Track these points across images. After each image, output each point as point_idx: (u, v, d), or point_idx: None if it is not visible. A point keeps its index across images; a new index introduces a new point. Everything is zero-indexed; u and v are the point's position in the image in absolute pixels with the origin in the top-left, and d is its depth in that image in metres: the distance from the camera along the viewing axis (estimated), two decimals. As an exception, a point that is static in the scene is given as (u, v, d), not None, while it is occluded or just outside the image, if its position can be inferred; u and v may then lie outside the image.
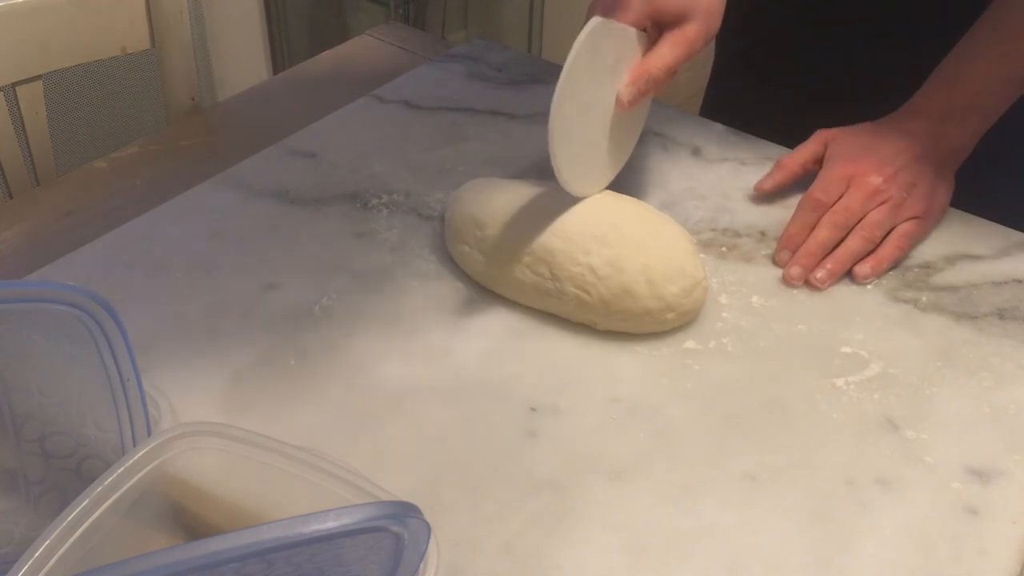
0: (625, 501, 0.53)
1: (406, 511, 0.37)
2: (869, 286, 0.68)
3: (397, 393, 0.59)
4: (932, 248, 0.71)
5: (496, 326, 0.64)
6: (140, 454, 0.42)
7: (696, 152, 0.80)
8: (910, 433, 0.57)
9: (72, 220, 0.72)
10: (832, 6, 0.85)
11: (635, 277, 0.61)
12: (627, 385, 0.60)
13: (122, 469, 0.41)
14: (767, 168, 0.75)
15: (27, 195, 0.77)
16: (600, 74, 0.63)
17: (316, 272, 0.67)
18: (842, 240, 0.69)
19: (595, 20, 0.61)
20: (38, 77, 0.90)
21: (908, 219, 0.70)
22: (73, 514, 0.39)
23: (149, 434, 0.47)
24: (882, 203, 0.69)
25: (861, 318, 0.65)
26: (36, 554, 0.37)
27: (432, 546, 0.41)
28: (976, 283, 0.68)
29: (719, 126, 0.84)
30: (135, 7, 0.93)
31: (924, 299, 0.67)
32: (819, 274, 0.68)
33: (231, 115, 0.87)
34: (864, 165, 0.71)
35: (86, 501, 0.39)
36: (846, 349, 0.63)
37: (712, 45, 1.00)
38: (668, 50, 0.65)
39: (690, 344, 0.63)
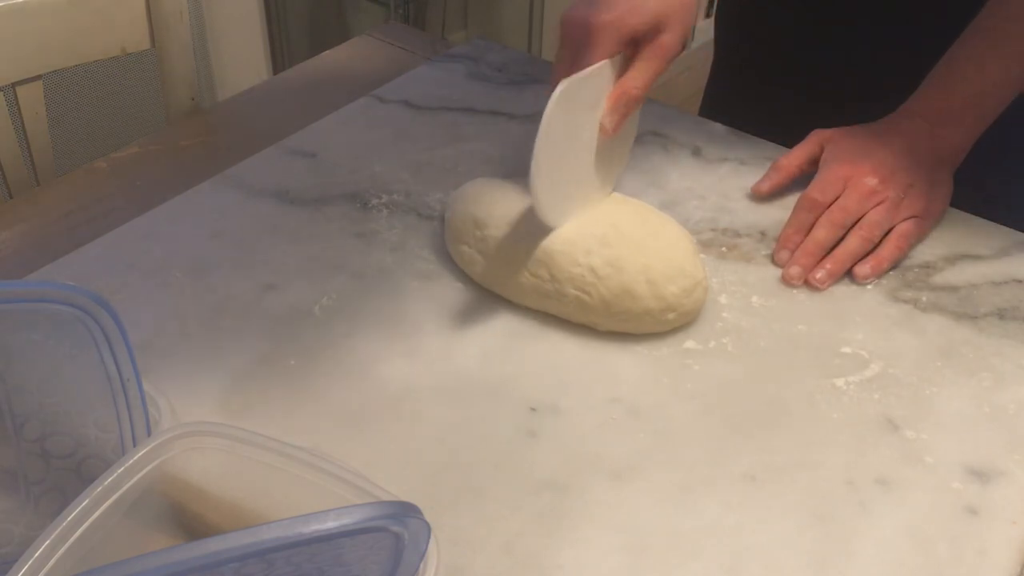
0: (625, 501, 0.53)
1: (406, 511, 0.37)
2: (869, 286, 0.68)
3: (397, 393, 0.59)
4: (932, 248, 0.71)
5: (496, 326, 0.64)
6: (140, 454, 0.42)
7: (696, 152, 0.80)
8: (910, 433, 0.57)
9: (72, 220, 0.72)
10: (832, 6, 0.85)
11: (635, 277, 0.61)
12: (627, 385, 0.60)
13: (122, 469, 0.41)
14: (767, 168, 0.75)
15: (27, 195, 0.77)
16: (579, 117, 0.63)
17: (316, 272, 0.67)
18: (840, 240, 0.69)
19: (562, 85, 0.60)
20: (38, 77, 0.90)
21: (907, 219, 0.70)
22: (73, 514, 0.39)
23: (149, 434, 0.47)
24: (879, 203, 0.69)
25: (861, 318, 0.65)
26: (36, 554, 0.37)
27: (432, 546, 0.41)
28: (976, 283, 0.68)
29: (719, 126, 0.84)
30: (135, 7, 0.93)
31: (924, 299, 0.67)
32: (819, 274, 0.67)
33: (231, 115, 0.87)
34: (861, 166, 0.70)
35: (86, 501, 0.39)
36: (846, 349, 0.63)
37: (711, 45, 1.00)
38: (644, 66, 0.65)
39: (690, 344, 0.63)
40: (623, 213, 0.65)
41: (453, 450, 0.56)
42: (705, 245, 0.71)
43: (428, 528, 0.38)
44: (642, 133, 0.80)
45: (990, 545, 0.52)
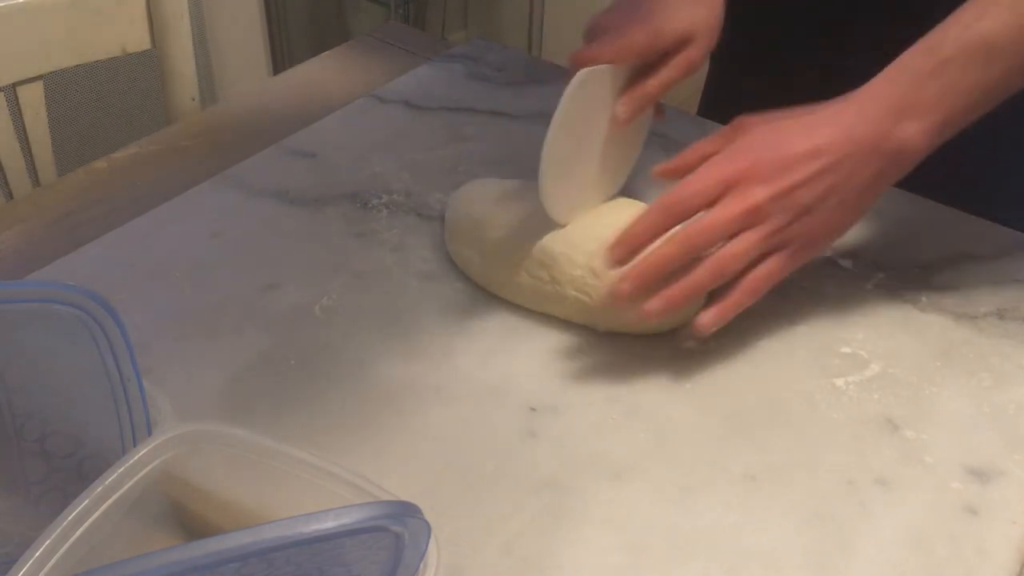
0: (625, 501, 0.53)
1: (406, 511, 0.37)
2: (869, 286, 0.68)
3: (397, 393, 0.59)
4: (932, 248, 0.71)
5: (496, 326, 0.64)
6: (140, 454, 0.42)
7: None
8: (910, 433, 0.57)
9: (72, 220, 0.72)
10: (834, 6, 0.84)
11: (635, 277, 0.61)
12: (627, 385, 0.60)
13: (122, 469, 0.41)
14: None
15: (27, 195, 0.77)
16: (592, 114, 0.64)
17: (316, 272, 0.67)
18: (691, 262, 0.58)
19: (581, 74, 0.60)
20: (38, 77, 0.90)
21: (782, 250, 0.59)
22: (73, 514, 0.39)
23: (149, 434, 0.47)
24: (755, 226, 0.57)
25: (861, 318, 0.65)
26: (36, 554, 0.37)
27: (432, 546, 0.41)
28: (976, 283, 0.68)
29: (719, 126, 0.84)
30: (135, 7, 0.93)
31: (924, 299, 0.67)
32: (652, 305, 0.58)
33: (231, 115, 0.87)
34: (757, 168, 0.58)
35: (86, 501, 0.39)
36: (846, 349, 0.63)
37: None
38: (667, 72, 0.64)
39: (690, 344, 0.63)
40: (623, 215, 0.65)
41: (453, 450, 0.56)
42: (705, 245, 0.71)
43: (428, 528, 0.38)
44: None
45: (990, 545, 0.52)
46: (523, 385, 0.60)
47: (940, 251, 0.71)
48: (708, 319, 0.59)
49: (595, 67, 0.62)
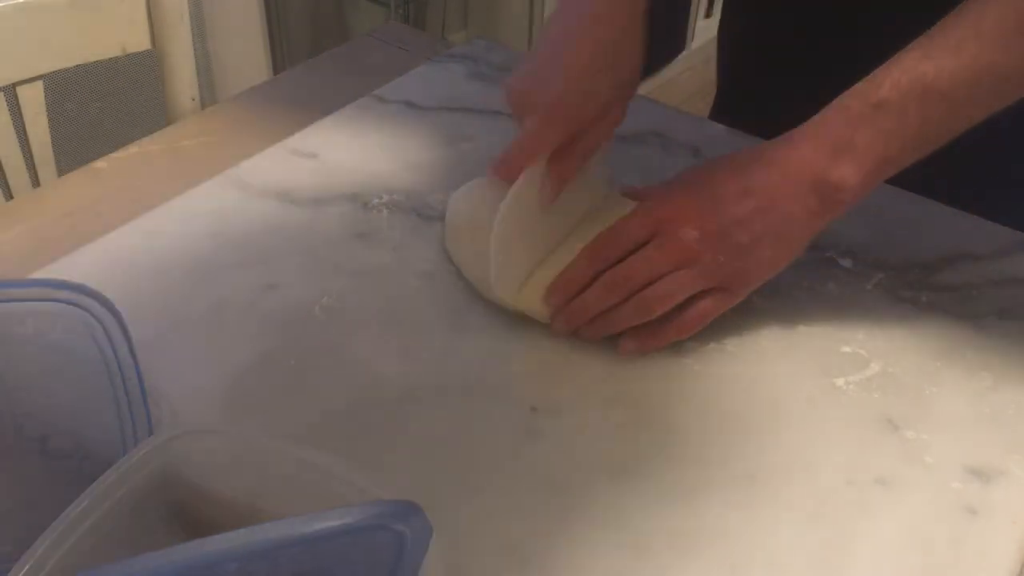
0: (625, 501, 0.53)
1: (408, 510, 0.37)
2: (869, 286, 0.68)
3: (397, 393, 0.59)
4: (932, 248, 0.71)
5: (496, 326, 0.64)
6: (141, 454, 0.42)
7: (696, 152, 0.80)
8: (910, 433, 0.57)
9: (72, 220, 0.72)
10: (842, 10, 0.83)
11: (635, 277, 0.61)
12: (627, 385, 0.60)
13: (123, 469, 0.41)
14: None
15: (27, 195, 0.77)
16: (530, 200, 0.61)
17: (316, 272, 0.67)
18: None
19: (525, 175, 0.59)
20: (38, 77, 0.90)
21: (711, 290, 0.60)
22: (74, 514, 0.39)
23: (150, 434, 0.47)
24: (684, 267, 0.58)
25: (861, 318, 0.65)
26: (36, 554, 0.37)
27: (432, 546, 0.41)
28: (976, 283, 0.68)
29: (719, 126, 0.84)
30: (135, 7, 0.93)
31: (924, 299, 0.67)
32: (586, 332, 0.61)
33: (231, 115, 0.87)
34: (687, 209, 0.59)
35: (87, 501, 0.39)
36: (846, 349, 0.63)
37: (711, 45, 1.00)
38: (589, 141, 0.61)
39: (690, 344, 0.63)
40: (622, 214, 0.65)
41: (453, 450, 0.56)
42: (705, 245, 0.71)
43: (430, 527, 0.38)
44: (642, 133, 0.80)
45: (990, 545, 0.52)
46: (523, 385, 0.60)
47: (940, 251, 0.71)
48: (631, 347, 0.60)
49: (535, 168, 0.60)
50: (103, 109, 1.70)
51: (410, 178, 0.76)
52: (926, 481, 0.55)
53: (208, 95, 1.83)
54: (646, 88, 1.06)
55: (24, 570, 0.36)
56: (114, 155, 0.79)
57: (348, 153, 0.79)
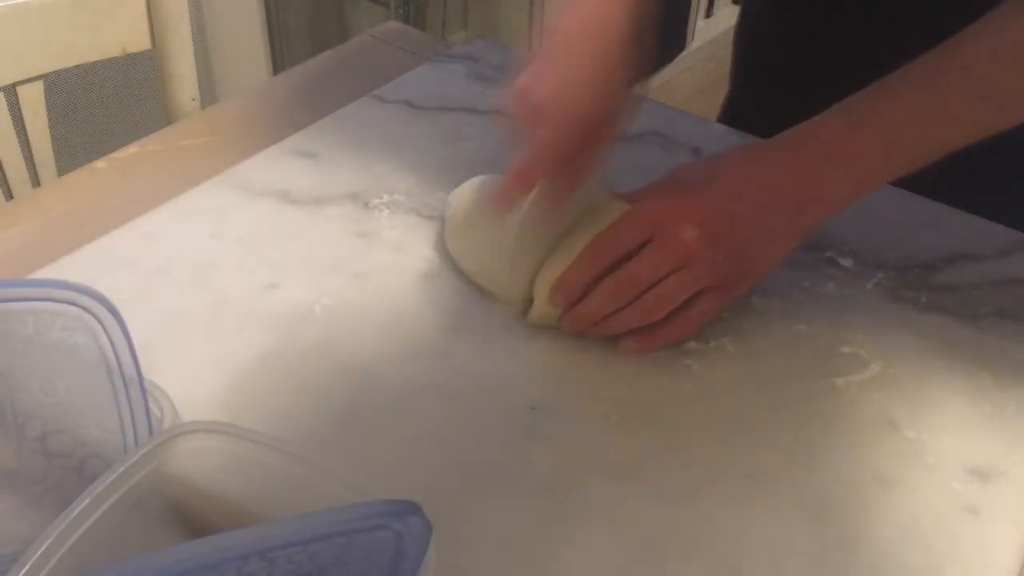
0: (625, 501, 0.53)
1: (407, 510, 0.37)
2: (869, 286, 0.68)
3: (397, 393, 0.59)
4: (933, 248, 0.71)
5: (496, 326, 0.64)
6: (141, 453, 0.42)
7: (696, 152, 0.80)
8: (910, 433, 0.57)
9: (72, 220, 0.72)
10: (859, 14, 0.81)
11: (635, 277, 0.61)
12: (627, 385, 0.60)
13: (123, 468, 0.41)
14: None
15: (27, 195, 0.77)
16: (541, 208, 0.61)
17: (316, 272, 0.67)
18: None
19: (539, 188, 0.58)
20: (39, 77, 0.90)
21: (710, 288, 0.60)
22: (74, 514, 0.39)
23: (151, 433, 0.47)
24: (683, 267, 0.58)
25: (861, 318, 0.65)
26: (36, 554, 0.37)
27: (431, 545, 0.41)
28: (976, 283, 0.68)
29: (719, 126, 0.84)
30: (135, 7, 0.93)
31: (924, 299, 0.67)
32: (592, 333, 0.61)
33: (231, 115, 0.87)
34: (686, 207, 0.59)
35: (87, 501, 0.39)
36: (846, 349, 0.63)
37: (711, 46, 0.99)
38: (596, 146, 0.60)
39: (690, 344, 0.63)
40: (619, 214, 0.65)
41: (453, 450, 0.56)
42: (705, 245, 0.71)
43: (430, 527, 0.38)
44: (642, 133, 0.80)
45: (990, 545, 0.52)
46: (523, 385, 0.60)
47: (940, 251, 0.71)
48: (632, 347, 0.61)
49: (546, 181, 0.59)
50: (103, 109, 1.70)
51: (410, 178, 0.76)
52: (926, 481, 0.55)
53: (208, 95, 1.83)
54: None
55: (24, 570, 0.36)
56: (114, 155, 0.79)
57: (348, 153, 0.79)
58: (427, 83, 0.88)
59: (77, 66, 0.92)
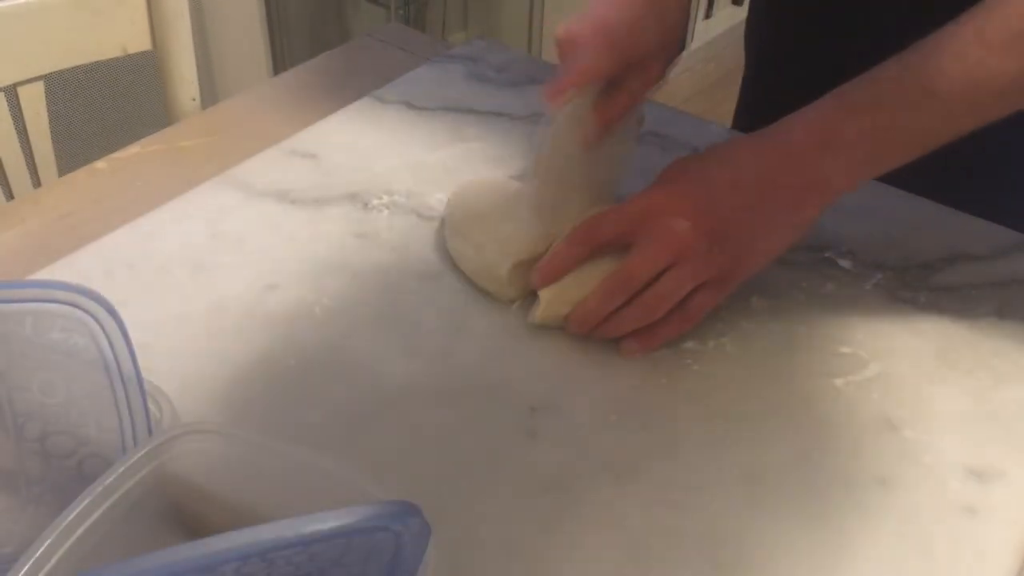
0: (625, 501, 0.53)
1: (406, 511, 0.37)
2: (869, 286, 0.68)
3: (397, 393, 0.59)
4: (932, 248, 0.71)
5: (496, 326, 0.64)
6: (141, 454, 0.42)
7: (696, 152, 0.80)
8: (909, 433, 0.57)
9: (72, 220, 0.72)
10: (879, 13, 0.80)
11: (634, 278, 0.61)
12: (627, 385, 0.60)
13: (123, 469, 0.41)
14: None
15: (28, 196, 0.77)
16: (573, 135, 0.62)
17: (316, 272, 0.67)
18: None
19: (568, 107, 0.59)
20: (39, 77, 0.91)
21: (712, 282, 0.60)
22: (73, 514, 0.39)
23: (150, 434, 0.47)
24: (680, 263, 0.58)
25: (860, 318, 0.65)
26: (36, 554, 0.37)
27: (432, 546, 0.41)
28: (976, 283, 0.68)
29: (719, 126, 0.84)
30: (136, 7, 0.93)
31: (923, 299, 0.67)
32: (596, 334, 0.61)
33: (231, 115, 0.87)
34: (677, 200, 0.59)
35: (86, 501, 0.39)
36: (845, 349, 0.63)
37: (711, 46, 0.99)
38: (633, 87, 0.62)
39: (689, 344, 0.63)
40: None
41: (453, 450, 0.56)
42: (705, 245, 0.71)
43: (429, 528, 0.38)
44: (642, 133, 0.80)
45: (989, 545, 0.52)
46: (523, 385, 0.60)
47: (940, 251, 0.71)
48: (632, 347, 0.61)
49: (580, 98, 0.60)
50: (103, 109, 1.70)
51: (410, 178, 0.76)
52: (925, 481, 0.55)
53: (208, 95, 1.83)
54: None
55: (24, 570, 0.36)
56: (114, 155, 0.79)
57: (348, 153, 0.79)
58: (427, 83, 0.88)
59: (77, 66, 0.92)
